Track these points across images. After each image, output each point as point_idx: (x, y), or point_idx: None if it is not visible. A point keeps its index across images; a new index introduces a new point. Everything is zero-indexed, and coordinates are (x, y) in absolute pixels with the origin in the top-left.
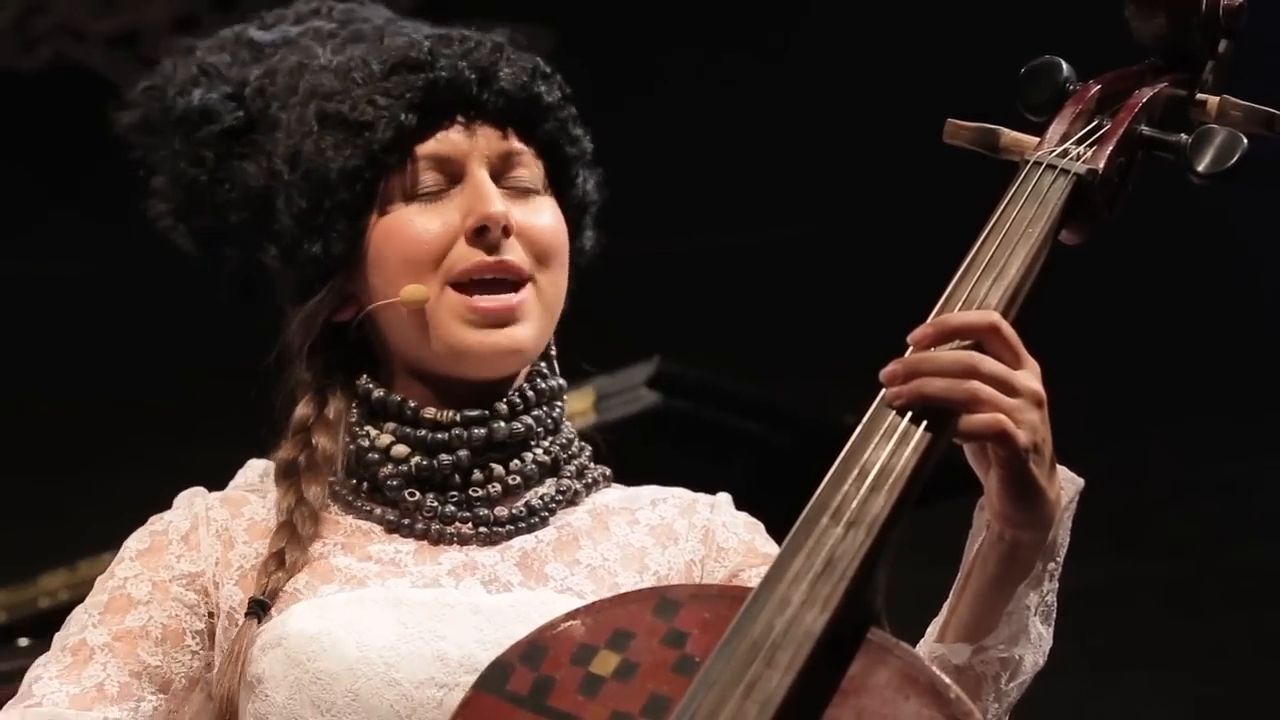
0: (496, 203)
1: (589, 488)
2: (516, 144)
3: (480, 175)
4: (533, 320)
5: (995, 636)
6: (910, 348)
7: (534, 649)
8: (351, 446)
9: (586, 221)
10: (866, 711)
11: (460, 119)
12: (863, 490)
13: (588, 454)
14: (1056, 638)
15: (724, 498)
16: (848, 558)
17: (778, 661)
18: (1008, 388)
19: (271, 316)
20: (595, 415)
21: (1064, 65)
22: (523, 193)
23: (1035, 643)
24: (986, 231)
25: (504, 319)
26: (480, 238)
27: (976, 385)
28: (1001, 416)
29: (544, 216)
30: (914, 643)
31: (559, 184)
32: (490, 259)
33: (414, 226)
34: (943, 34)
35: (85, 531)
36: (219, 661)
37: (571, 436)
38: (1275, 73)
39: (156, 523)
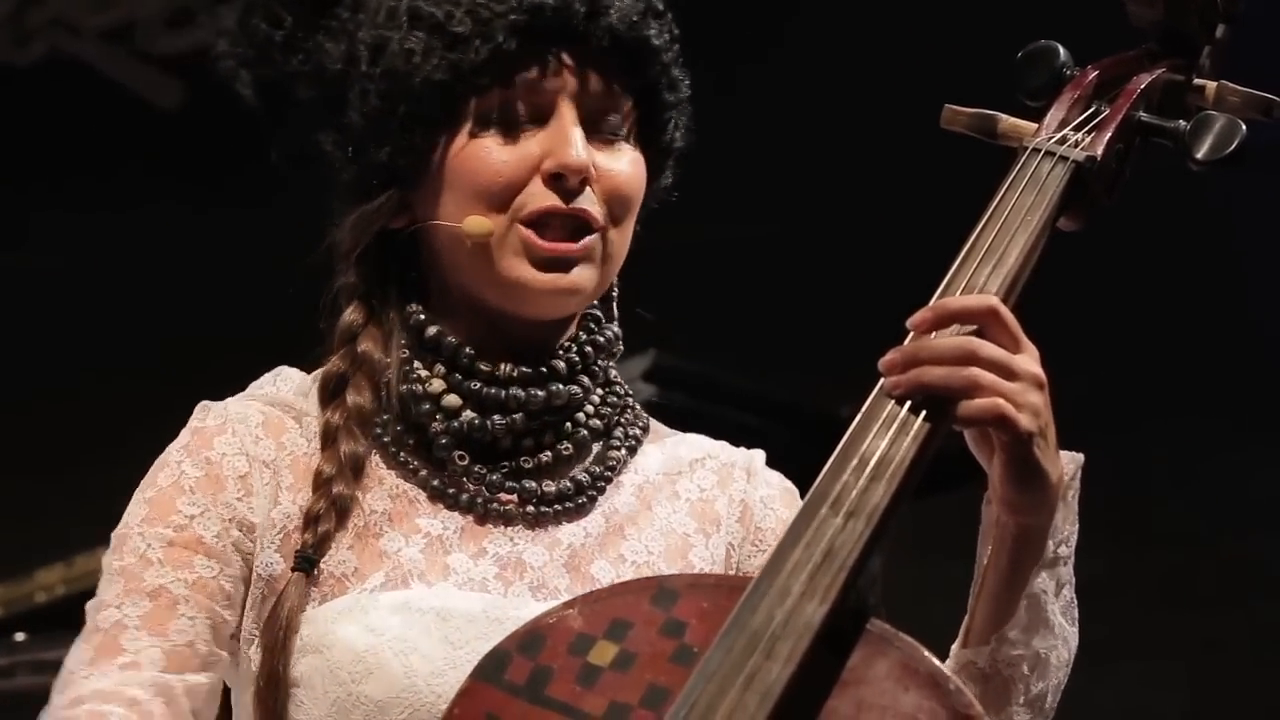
0: (579, 151)
1: (632, 450)
2: (613, 87)
3: (568, 117)
4: (595, 266)
5: (1014, 623)
6: (909, 334)
7: (531, 638)
8: (403, 386)
9: (667, 165)
10: (866, 703)
11: (560, 52)
12: (862, 480)
13: (633, 404)
14: None
15: (759, 460)
16: (847, 548)
17: (778, 653)
18: (1008, 372)
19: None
20: None
21: (1061, 50)
22: (608, 139)
23: (1059, 635)
24: (985, 218)
25: (567, 263)
26: (557, 182)
27: (976, 371)
28: (1001, 401)
29: (625, 166)
30: (916, 636)
31: (647, 127)
32: (564, 206)
33: (491, 157)
34: (941, 19)
35: (80, 527)
36: (253, 630)
37: (620, 389)
38: (1272, 57)
39: (206, 447)
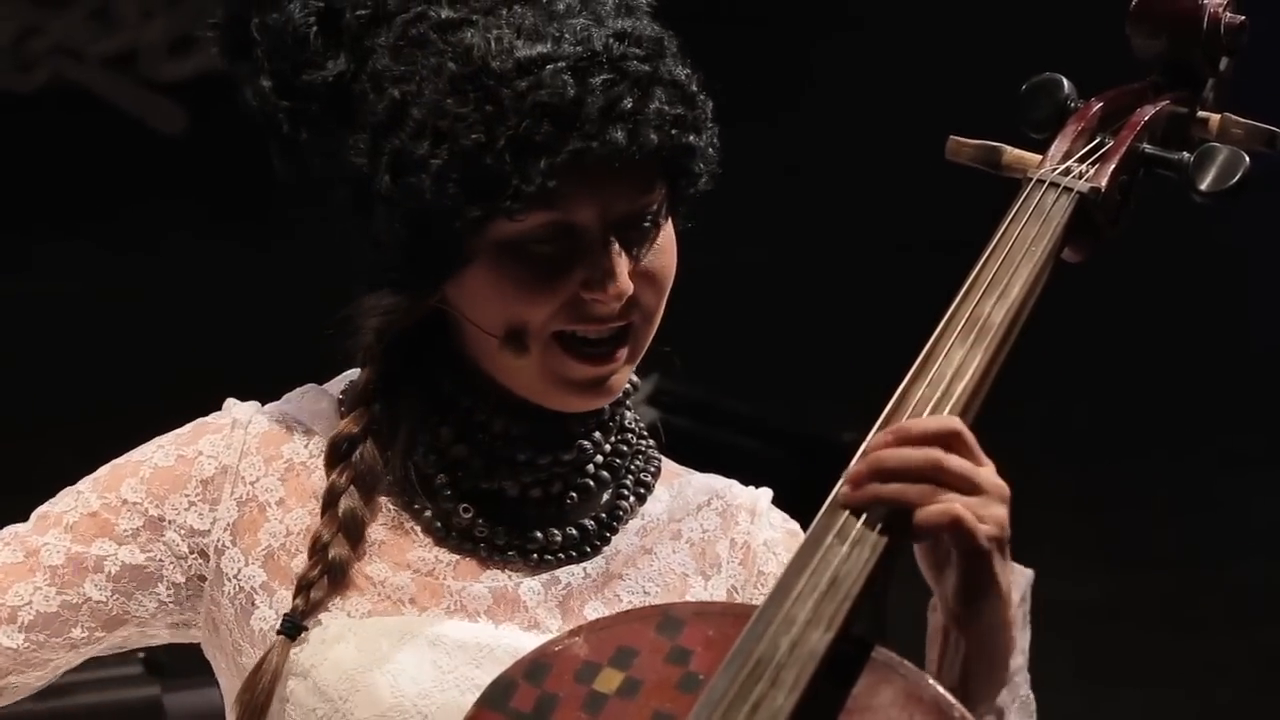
0: (621, 280)
1: (641, 499)
2: (649, 183)
3: (607, 240)
4: (628, 366)
5: None
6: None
7: (537, 666)
8: (416, 437)
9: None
10: None
11: (597, 180)
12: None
13: (645, 449)
14: (1053, 654)
15: (764, 500)
16: (852, 576)
17: (783, 680)
18: (971, 485)
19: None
20: None
21: (1066, 82)
22: (644, 233)
23: None
24: (989, 250)
25: (604, 376)
26: (596, 307)
27: (930, 487)
28: (960, 509)
29: (660, 258)
30: (919, 662)
31: (676, 198)
32: (603, 330)
33: (526, 282)
34: (946, 51)
35: None
36: (244, 643)
37: (634, 433)
38: (1276, 90)
39: (190, 442)
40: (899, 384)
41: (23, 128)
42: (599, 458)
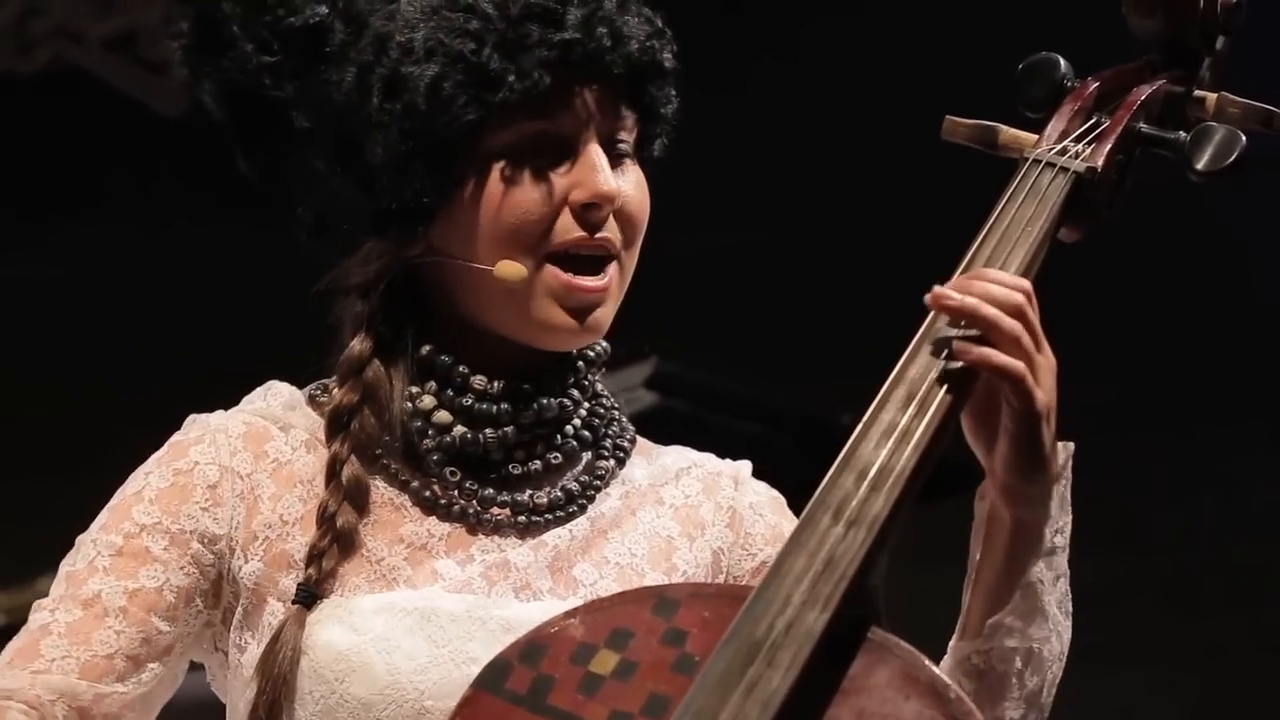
0: (611, 180)
1: (620, 463)
2: (624, 108)
3: (595, 148)
4: (612, 301)
5: (1010, 610)
6: (927, 317)
7: (533, 648)
8: (395, 405)
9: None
10: (867, 711)
11: (585, 83)
12: (863, 489)
13: (619, 418)
14: None
15: (745, 470)
16: (848, 557)
17: (778, 661)
18: (1039, 344)
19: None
20: None
21: (1062, 62)
22: (620, 160)
23: (1052, 627)
24: (986, 229)
25: (595, 302)
26: (586, 212)
27: (1021, 326)
28: (1024, 366)
29: (638, 189)
30: (915, 644)
31: (640, 143)
32: (591, 238)
33: (519, 195)
34: (942, 30)
35: (83, 534)
36: (250, 639)
37: (608, 400)
38: (1273, 69)
39: (179, 458)
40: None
41: (23, 109)
42: (577, 420)
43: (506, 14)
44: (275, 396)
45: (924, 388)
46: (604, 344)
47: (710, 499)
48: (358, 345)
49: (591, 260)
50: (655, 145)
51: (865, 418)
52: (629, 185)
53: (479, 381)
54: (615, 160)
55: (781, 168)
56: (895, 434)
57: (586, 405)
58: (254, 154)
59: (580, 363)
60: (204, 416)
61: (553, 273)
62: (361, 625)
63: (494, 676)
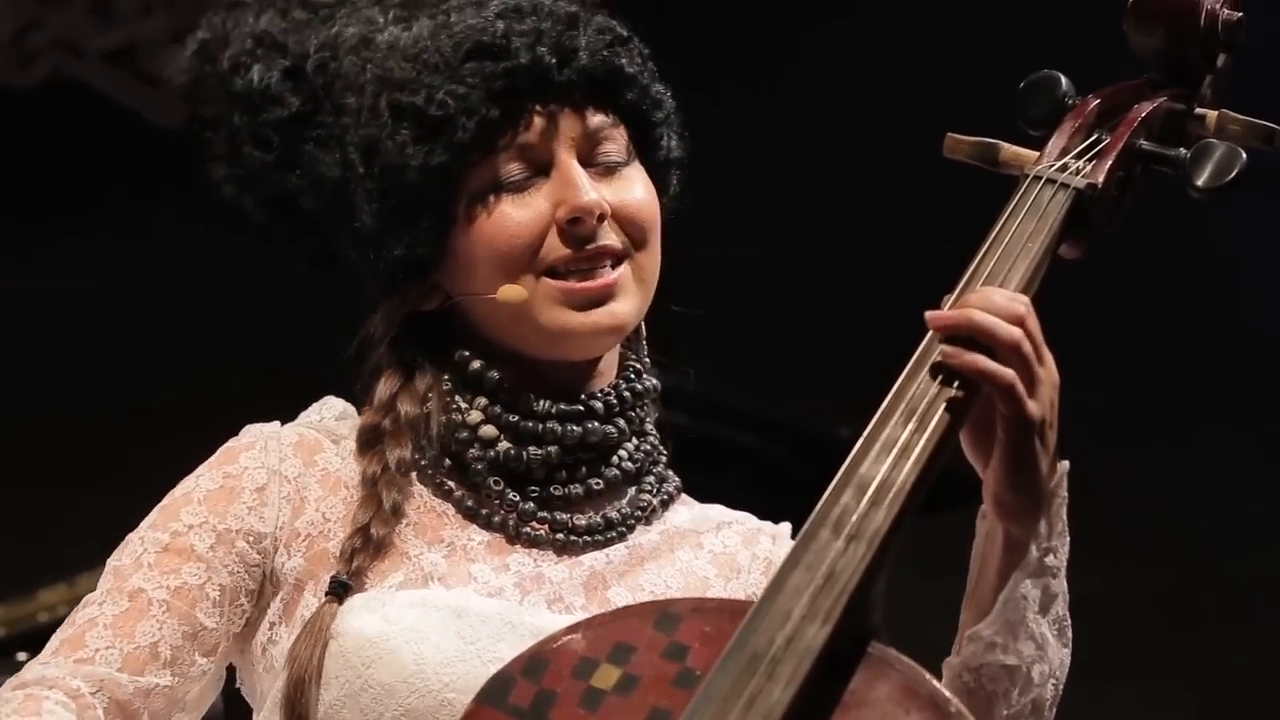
0: (589, 192)
1: (664, 504)
2: (600, 118)
3: (569, 163)
4: (630, 295)
5: (989, 623)
6: (928, 336)
7: (535, 662)
8: (443, 417)
9: (672, 177)
10: None
11: (541, 104)
12: (863, 504)
13: (665, 461)
14: None
15: (785, 529)
16: (848, 571)
17: (779, 675)
18: (1040, 356)
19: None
20: None
21: (1063, 79)
22: (610, 169)
23: (1041, 647)
24: (986, 245)
25: (602, 296)
26: (574, 228)
27: (1020, 334)
28: (1014, 374)
29: (635, 191)
30: (914, 657)
31: (643, 146)
32: (583, 251)
33: (505, 221)
34: (944, 47)
35: (83, 546)
36: (284, 632)
37: (656, 442)
38: (1274, 86)
39: (229, 462)
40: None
41: (22, 121)
42: (624, 452)
43: (449, 59)
44: (329, 410)
45: (924, 403)
46: (654, 382)
47: (748, 549)
48: (385, 383)
49: (592, 269)
50: (665, 145)
51: (866, 433)
52: (626, 191)
53: (527, 399)
54: (605, 171)
55: (782, 182)
56: (895, 449)
57: (635, 440)
58: (300, 249)
59: (628, 393)
60: (258, 426)
61: (550, 284)
62: (394, 616)
63: (497, 690)
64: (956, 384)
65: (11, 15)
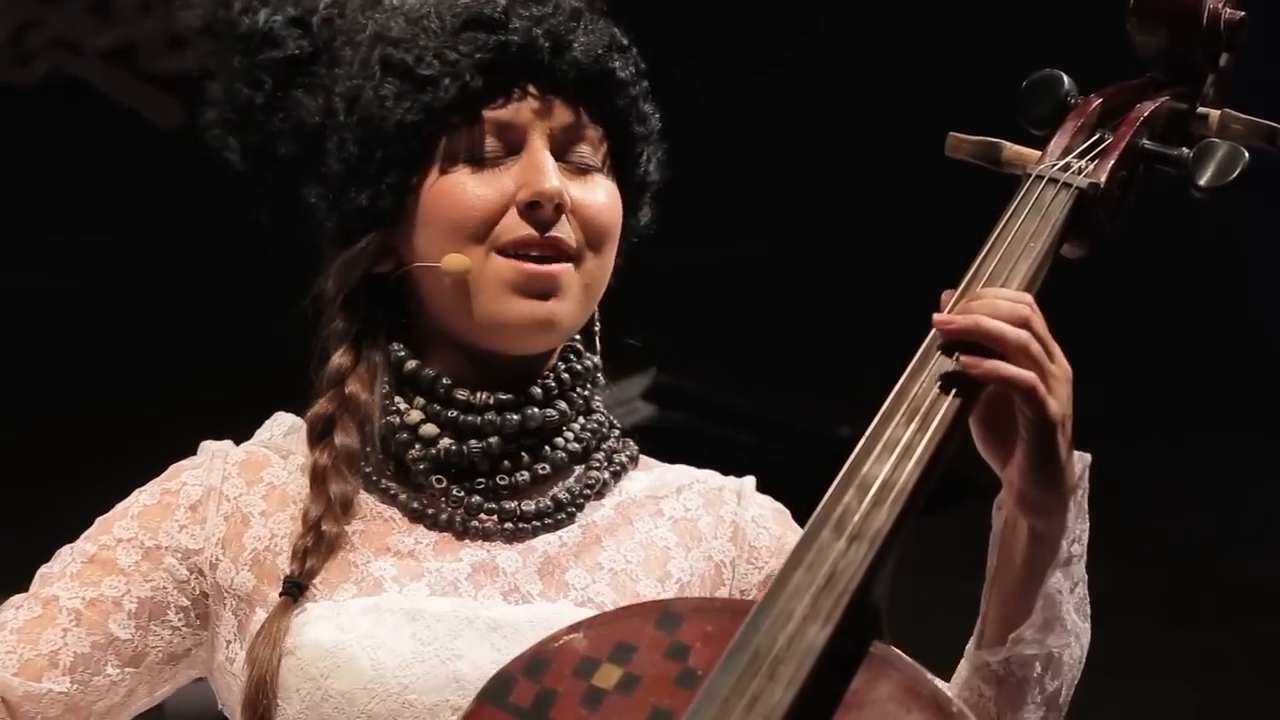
0: (552, 179)
1: (616, 475)
2: (582, 118)
3: (539, 148)
4: (572, 298)
5: (1030, 624)
6: (932, 334)
7: (536, 661)
8: (383, 419)
9: (644, 200)
10: None
11: (528, 86)
12: (865, 504)
13: (617, 434)
14: None
15: (749, 484)
16: (850, 571)
17: (780, 675)
18: (1050, 352)
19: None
20: None
21: (1065, 79)
22: (582, 170)
23: (1072, 632)
24: (988, 245)
25: (547, 287)
26: (532, 211)
27: (1029, 336)
28: (1036, 377)
29: (599, 196)
30: (915, 657)
31: (621, 161)
32: (539, 235)
33: (466, 191)
34: (946, 46)
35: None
36: (238, 650)
37: (603, 418)
38: (1277, 85)
39: (172, 479)
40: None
41: (21, 120)
42: (569, 433)
43: (451, 25)
44: (279, 426)
45: (927, 402)
46: (594, 359)
47: (711, 513)
48: (337, 359)
49: (543, 257)
50: (643, 164)
51: (868, 432)
52: (591, 194)
53: (463, 394)
54: (576, 171)
55: (782, 180)
56: (898, 449)
57: (581, 421)
58: (267, 196)
59: (567, 375)
60: (212, 443)
61: (500, 261)
62: (348, 624)
63: (498, 690)
64: (959, 384)
65: (10, 14)
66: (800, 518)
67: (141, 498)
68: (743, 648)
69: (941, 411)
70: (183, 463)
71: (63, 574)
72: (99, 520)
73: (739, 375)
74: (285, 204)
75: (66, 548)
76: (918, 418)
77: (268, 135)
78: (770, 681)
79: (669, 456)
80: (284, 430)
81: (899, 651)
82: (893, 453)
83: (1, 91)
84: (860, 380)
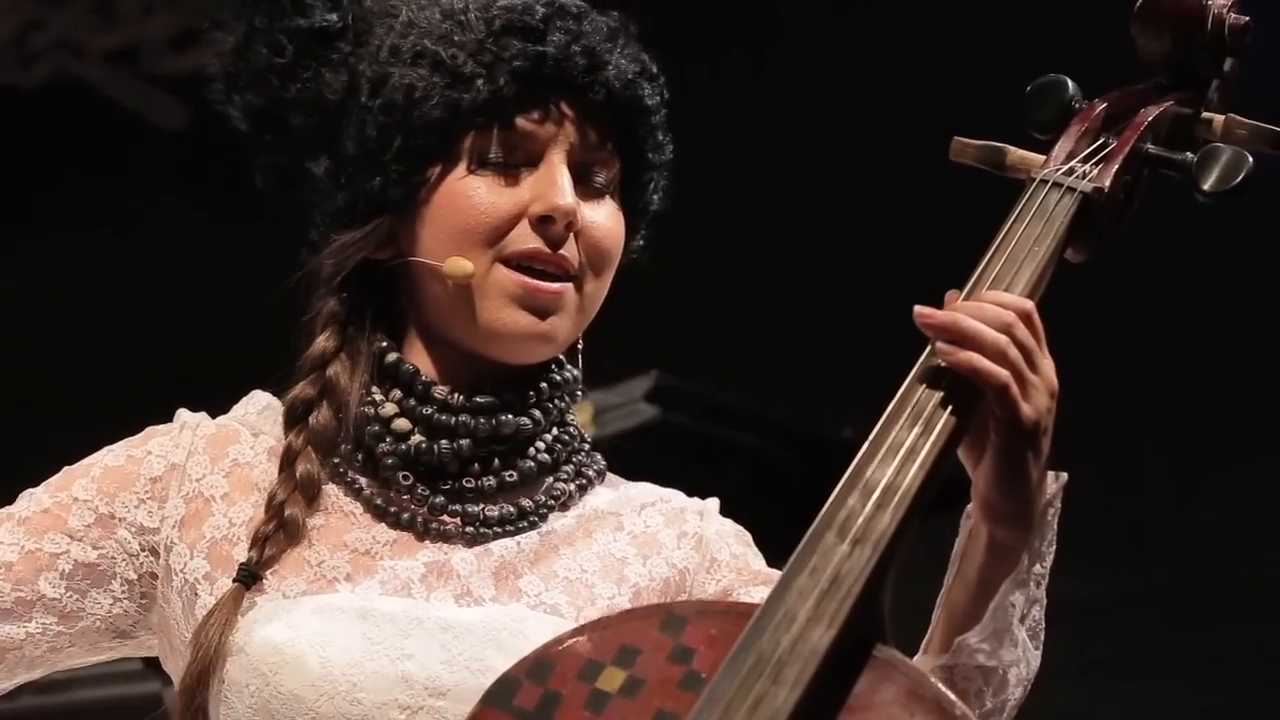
0: (569, 195)
1: (582, 489)
2: (602, 139)
3: (558, 163)
4: (569, 317)
5: (978, 632)
6: (928, 344)
7: (541, 664)
8: (359, 408)
9: (642, 225)
10: None
11: (558, 100)
12: (868, 507)
13: (587, 449)
14: (1054, 649)
15: (712, 504)
16: (853, 575)
17: (784, 678)
18: (1032, 362)
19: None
20: (594, 429)
21: (1070, 83)
22: (594, 192)
23: (1020, 653)
24: (993, 249)
25: (550, 305)
26: (544, 226)
27: (1006, 340)
28: (1010, 377)
29: (607, 220)
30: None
31: (628, 186)
32: (547, 250)
33: (479, 196)
34: (951, 51)
35: None
36: (176, 621)
37: (574, 431)
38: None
39: (140, 445)
40: (897, 388)
41: (24, 122)
42: (540, 444)
43: (490, 27)
44: (254, 404)
45: (930, 406)
46: (575, 372)
47: (672, 528)
48: (322, 342)
49: (547, 273)
50: (650, 192)
51: (872, 436)
52: (600, 217)
53: (440, 392)
54: (590, 192)
55: (786, 184)
56: (902, 452)
57: (553, 432)
58: (266, 161)
59: (545, 384)
60: (186, 413)
61: (505, 273)
62: (298, 623)
63: (502, 692)
64: (962, 388)
65: (13, 16)
66: (802, 519)
67: (107, 458)
68: (746, 651)
69: (945, 415)
70: (156, 428)
71: (10, 518)
72: (65, 470)
73: (741, 377)
74: (282, 172)
75: (27, 493)
76: (921, 421)
77: (278, 103)
78: (774, 684)
79: (669, 457)
80: (259, 409)
81: (902, 655)
82: (896, 456)
83: (4, 93)
84: (862, 382)
